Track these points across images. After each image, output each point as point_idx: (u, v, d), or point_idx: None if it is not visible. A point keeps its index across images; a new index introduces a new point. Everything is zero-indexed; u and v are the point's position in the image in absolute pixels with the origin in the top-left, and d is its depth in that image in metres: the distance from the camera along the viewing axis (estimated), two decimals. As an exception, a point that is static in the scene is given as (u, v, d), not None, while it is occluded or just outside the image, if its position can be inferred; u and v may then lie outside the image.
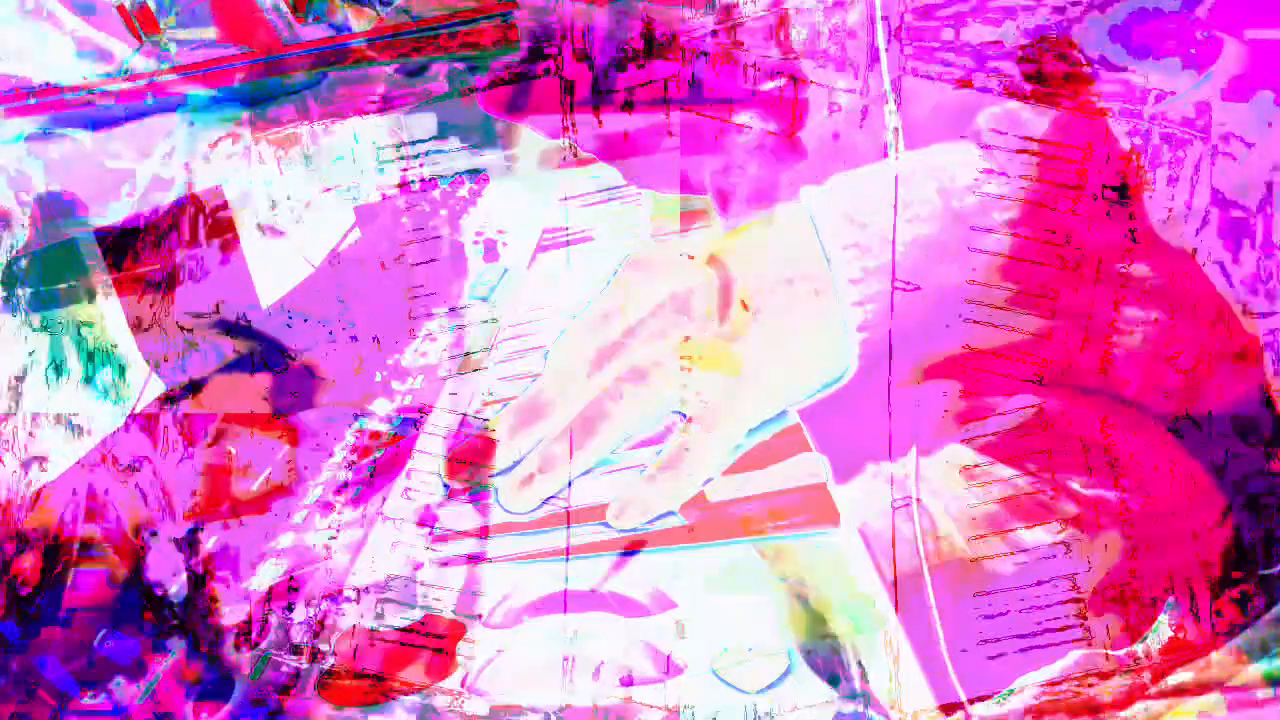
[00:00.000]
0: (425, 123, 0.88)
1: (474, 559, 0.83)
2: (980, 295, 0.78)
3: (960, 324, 0.79)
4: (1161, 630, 0.82)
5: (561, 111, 0.90)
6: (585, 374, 0.79)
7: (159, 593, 0.82)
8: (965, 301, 0.78)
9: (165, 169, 0.88)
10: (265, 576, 0.84)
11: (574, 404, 0.79)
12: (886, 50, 0.80)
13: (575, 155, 0.85)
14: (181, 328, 0.83)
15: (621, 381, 0.79)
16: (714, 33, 0.84)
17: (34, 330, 0.84)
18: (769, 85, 0.81)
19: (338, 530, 0.87)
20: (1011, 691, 0.81)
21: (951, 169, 0.79)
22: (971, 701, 0.80)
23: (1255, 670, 0.82)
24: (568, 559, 0.81)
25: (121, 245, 0.88)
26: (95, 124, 0.87)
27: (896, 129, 0.80)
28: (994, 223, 0.78)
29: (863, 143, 0.82)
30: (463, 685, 0.77)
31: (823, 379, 0.79)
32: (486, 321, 0.89)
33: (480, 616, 0.81)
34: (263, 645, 0.81)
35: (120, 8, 0.89)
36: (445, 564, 0.84)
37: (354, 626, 0.81)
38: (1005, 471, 0.81)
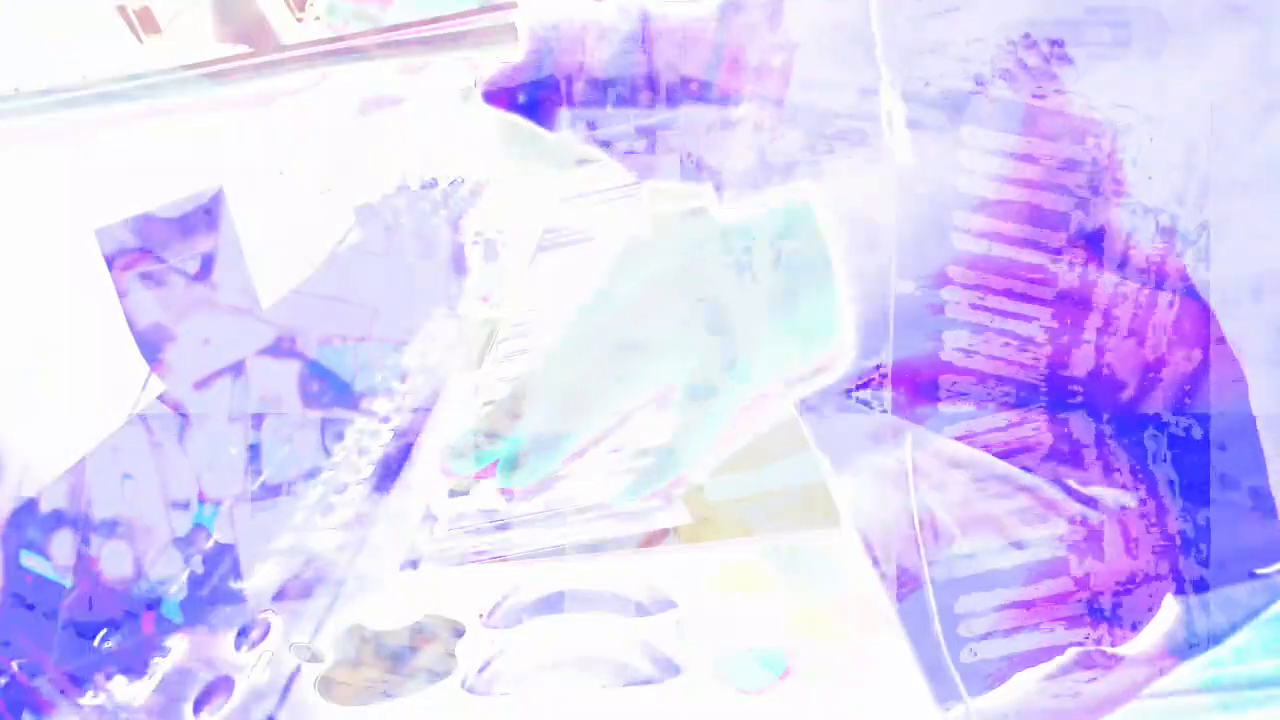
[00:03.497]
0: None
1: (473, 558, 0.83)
2: (970, 294, 0.78)
3: (949, 320, 0.79)
4: (1160, 629, 0.82)
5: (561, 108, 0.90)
6: (579, 353, 0.79)
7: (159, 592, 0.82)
8: (957, 292, 0.78)
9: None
10: (264, 577, 0.84)
11: (568, 384, 0.78)
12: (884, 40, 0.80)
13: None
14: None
15: (617, 359, 0.78)
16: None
17: None
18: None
19: (337, 530, 0.87)
20: (1009, 689, 0.81)
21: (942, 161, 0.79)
22: (971, 698, 0.80)
23: (1254, 669, 0.82)
24: (564, 552, 0.81)
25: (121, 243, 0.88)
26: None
27: (895, 116, 0.80)
28: (983, 217, 0.78)
29: (861, 143, 0.82)
30: (462, 686, 0.77)
31: (817, 365, 0.79)
32: (486, 321, 0.89)
33: (480, 616, 0.81)
34: (262, 646, 0.81)
35: (121, 8, 0.89)
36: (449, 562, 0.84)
37: (354, 626, 0.81)
38: (1003, 468, 0.82)
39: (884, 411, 0.82)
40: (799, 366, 0.80)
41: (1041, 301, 0.79)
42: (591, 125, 0.91)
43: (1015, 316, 0.79)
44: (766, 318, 0.79)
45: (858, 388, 0.81)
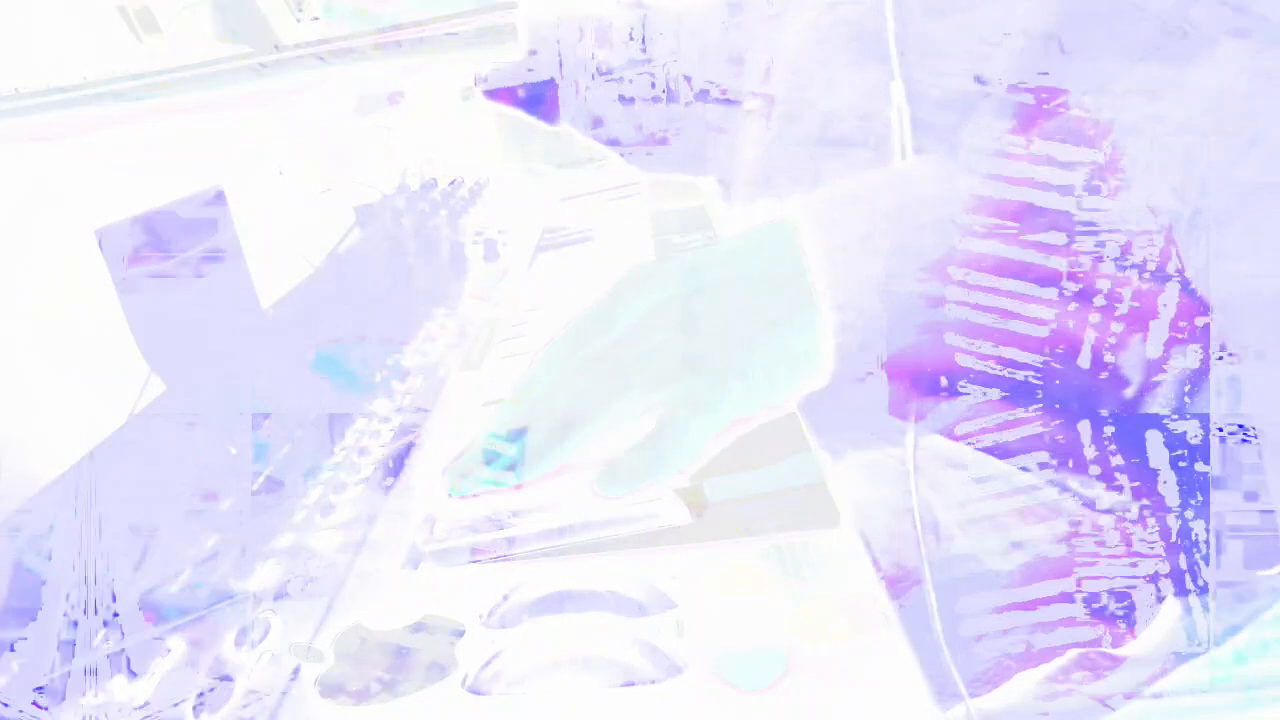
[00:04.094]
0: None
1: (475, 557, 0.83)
2: (970, 293, 0.78)
3: (949, 319, 0.79)
4: (1160, 629, 0.82)
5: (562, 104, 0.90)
6: (569, 381, 0.79)
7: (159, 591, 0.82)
8: (957, 291, 0.78)
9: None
10: (264, 577, 0.84)
11: (555, 410, 0.78)
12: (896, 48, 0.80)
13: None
14: None
15: (611, 387, 0.78)
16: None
17: None
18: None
19: (337, 530, 0.87)
20: (1009, 689, 0.82)
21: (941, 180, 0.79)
22: (971, 698, 0.80)
23: (1254, 669, 0.82)
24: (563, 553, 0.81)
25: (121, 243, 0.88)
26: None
27: (903, 115, 0.80)
28: (983, 217, 0.78)
29: (862, 142, 0.82)
30: (462, 685, 0.77)
31: (802, 383, 0.79)
32: (486, 321, 0.89)
33: (480, 616, 0.81)
34: (262, 646, 0.81)
35: (121, 8, 0.89)
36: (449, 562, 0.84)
37: (354, 626, 0.81)
38: (1004, 468, 0.82)
39: (883, 410, 0.82)
40: (786, 392, 0.80)
41: (1041, 301, 0.79)
42: (597, 123, 0.91)
43: (1015, 316, 0.79)
44: (755, 346, 0.79)
45: (858, 386, 0.81)
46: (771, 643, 0.76)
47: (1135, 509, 0.81)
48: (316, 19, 0.90)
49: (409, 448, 0.89)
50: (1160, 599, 0.82)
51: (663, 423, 0.78)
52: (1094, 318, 0.79)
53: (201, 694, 0.78)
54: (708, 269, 0.81)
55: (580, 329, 0.81)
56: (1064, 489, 0.82)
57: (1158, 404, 0.80)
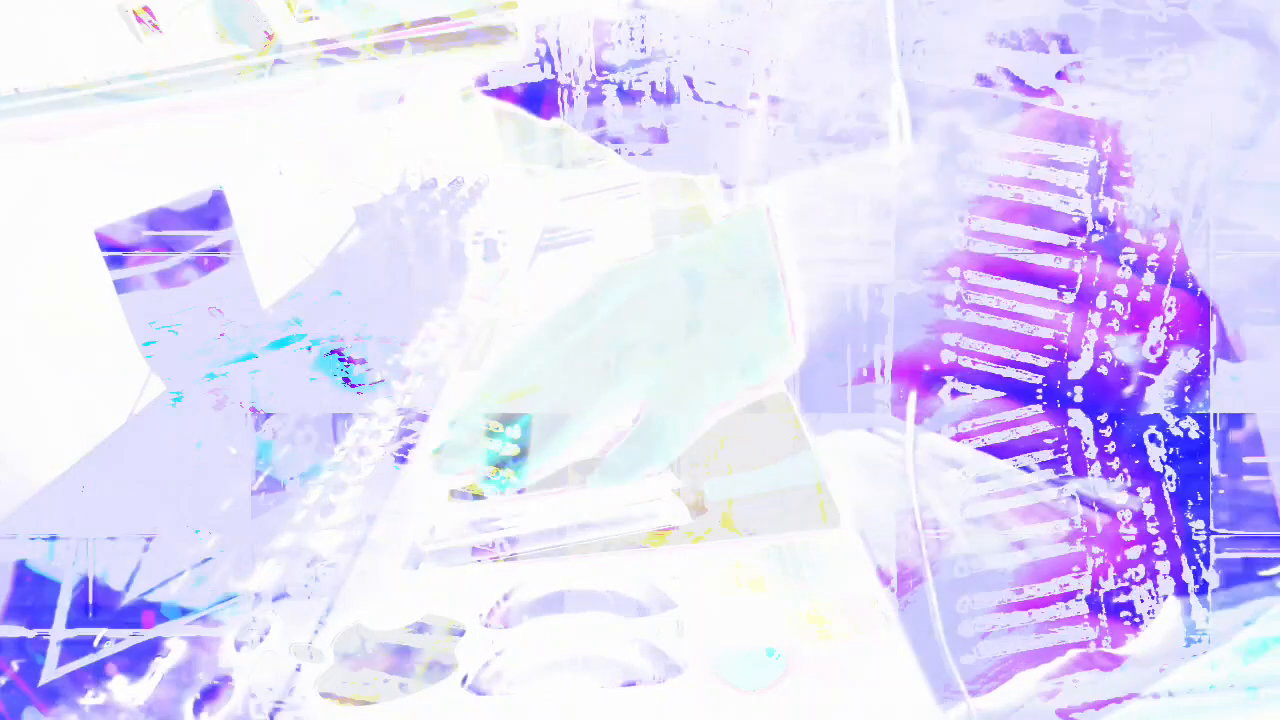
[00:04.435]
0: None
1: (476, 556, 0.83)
2: (970, 293, 0.78)
3: (949, 319, 0.79)
4: (1161, 629, 0.82)
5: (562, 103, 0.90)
6: (555, 375, 0.79)
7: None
8: (957, 291, 0.78)
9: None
10: (264, 577, 0.84)
11: (545, 407, 0.79)
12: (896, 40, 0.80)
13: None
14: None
15: (594, 379, 0.79)
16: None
17: None
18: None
19: (337, 530, 0.86)
20: (1009, 689, 0.81)
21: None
22: (971, 698, 0.80)
23: (1255, 669, 0.82)
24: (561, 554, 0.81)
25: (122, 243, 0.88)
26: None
27: (903, 115, 0.80)
28: (983, 217, 0.78)
29: (863, 142, 0.82)
30: (463, 684, 0.78)
31: (773, 367, 0.80)
32: (486, 321, 0.89)
33: (480, 616, 0.81)
34: (262, 646, 0.81)
35: (121, 8, 0.89)
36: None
37: (354, 626, 0.81)
38: (1004, 468, 0.82)
39: (884, 410, 0.82)
40: (758, 377, 0.81)
41: (1042, 301, 0.79)
42: (597, 123, 0.91)
43: (1015, 316, 0.80)
44: (726, 334, 0.80)
45: (857, 386, 0.81)
46: (771, 643, 0.76)
47: (1135, 509, 0.81)
48: (308, 11, 0.90)
49: (409, 448, 0.89)
50: (1160, 599, 0.82)
51: (646, 419, 0.79)
52: (1094, 318, 0.79)
53: (201, 694, 0.78)
54: (683, 258, 0.82)
55: (560, 320, 0.82)
56: (1064, 489, 0.82)
57: (1158, 404, 0.80)
